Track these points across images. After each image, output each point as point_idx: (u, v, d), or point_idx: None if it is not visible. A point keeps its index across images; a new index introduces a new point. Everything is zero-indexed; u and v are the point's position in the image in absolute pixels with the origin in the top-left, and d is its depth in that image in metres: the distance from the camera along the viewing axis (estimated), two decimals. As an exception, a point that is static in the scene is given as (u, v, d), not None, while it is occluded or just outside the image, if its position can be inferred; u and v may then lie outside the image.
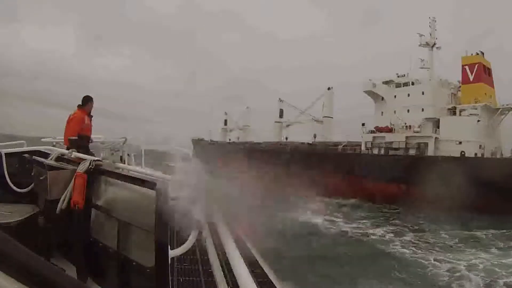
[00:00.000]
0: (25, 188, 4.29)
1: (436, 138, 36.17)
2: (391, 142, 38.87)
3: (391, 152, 37.94)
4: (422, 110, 38.66)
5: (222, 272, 1.78)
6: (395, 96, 41.78)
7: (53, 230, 3.58)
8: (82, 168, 2.99)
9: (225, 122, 77.65)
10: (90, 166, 2.98)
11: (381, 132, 40.83)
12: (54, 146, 5.60)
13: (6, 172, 4.46)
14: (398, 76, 42.68)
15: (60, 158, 3.94)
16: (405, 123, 39.20)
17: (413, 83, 40.57)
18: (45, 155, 4.38)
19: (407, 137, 37.84)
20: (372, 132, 41.94)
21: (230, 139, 72.18)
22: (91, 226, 3.03)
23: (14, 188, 4.31)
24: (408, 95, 40.31)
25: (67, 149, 5.37)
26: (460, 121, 35.41)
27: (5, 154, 4.69)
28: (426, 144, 36.41)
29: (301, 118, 57.30)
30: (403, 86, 41.46)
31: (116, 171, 2.87)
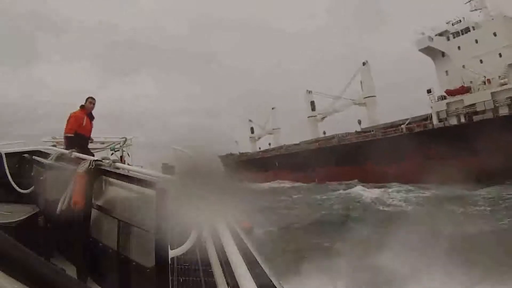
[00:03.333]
0: (24, 188, 4.28)
1: (531, 85, 27.30)
2: (473, 105, 29.73)
3: (476, 118, 28.79)
4: (500, 55, 30.20)
5: (222, 272, 1.77)
6: (459, 48, 33.34)
7: (53, 230, 3.58)
8: (82, 168, 2.99)
9: (252, 130, 71.17)
10: (90, 166, 2.97)
11: (455, 95, 31.43)
12: (54, 146, 5.59)
13: (8, 172, 4.46)
14: (452, 25, 34.64)
15: (60, 158, 3.93)
16: (484, 77, 30.42)
17: (474, 28, 32.44)
18: (45, 155, 4.37)
19: (492, 94, 28.67)
20: (443, 98, 32.73)
21: (260, 148, 66.00)
22: (91, 226, 3.03)
23: (17, 188, 4.31)
24: (476, 41, 31.90)
25: (66, 147, 5.47)
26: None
27: (5, 154, 4.69)
28: (521, 96, 27.47)
29: (337, 106, 49.14)
30: (462, 34, 33.24)
31: (116, 171, 2.86)
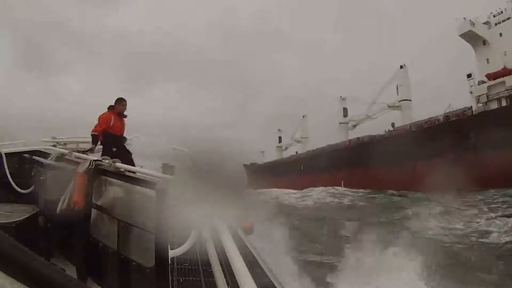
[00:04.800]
0: (24, 188, 4.28)
1: None
2: (516, 85, 28.26)
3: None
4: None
5: (222, 272, 1.77)
6: (500, 34, 32.28)
7: (53, 230, 3.58)
8: (82, 168, 2.99)
9: (279, 139, 68.59)
10: (90, 166, 2.97)
11: (496, 78, 30.31)
12: (54, 146, 5.60)
13: (8, 172, 4.46)
14: (494, 16, 33.54)
15: (60, 158, 3.93)
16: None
17: (515, 17, 31.38)
18: (45, 155, 4.37)
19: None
20: (483, 83, 31.63)
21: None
22: (91, 226, 3.03)
23: (17, 188, 4.31)
24: (520, 26, 30.59)
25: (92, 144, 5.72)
26: None
27: (5, 154, 4.69)
28: None
29: (371, 111, 46.52)
30: (503, 22, 32.30)
31: (116, 171, 2.86)
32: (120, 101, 6.05)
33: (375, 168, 34.38)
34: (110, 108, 6.01)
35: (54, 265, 0.74)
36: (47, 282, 0.58)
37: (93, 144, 5.77)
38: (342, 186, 38.61)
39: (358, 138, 45.17)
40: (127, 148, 6.64)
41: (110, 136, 5.85)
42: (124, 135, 6.57)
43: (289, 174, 51.51)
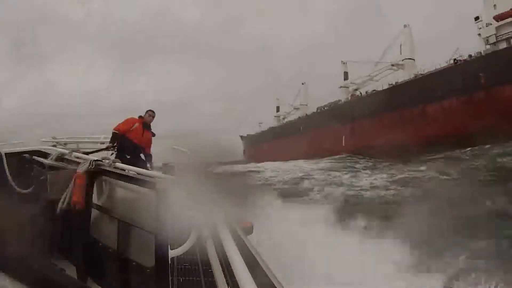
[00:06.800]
0: (24, 188, 4.28)
1: None
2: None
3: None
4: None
5: (222, 272, 1.78)
6: None
7: (53, 230, 3.58)
8: (82, 168, 2.99)
9: (277, 109, 67.15)
10: (90, 166, 2.97)
11: (504, 19, 29.83)
12: (54, 146, 5.61)
13: (7, 172, 4.46)
14: None
15: (60, 158, 3.93)
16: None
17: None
18: (45, 155, 4.38)
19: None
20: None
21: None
22: (91, 226, 3.03)
23: (17, 188, 4.31)
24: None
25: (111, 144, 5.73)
26: None
27: (5, 154, 4.69)
28: None
29: (374, 71, 45.24)
30: None
31: (116, 171, 2.86)
32: (147, 112, 6.03)
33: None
34: (140, 117, 5.99)
35: (54, 265, 0.74)
36: (47, 282, 0.58)
37: (110, 142, 5.72)
38: (343, 142, 38.57)
39: (361, 93, 45.55)
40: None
41: (126, 140, 5.78)
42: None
43: (285, 138, 51.50)
